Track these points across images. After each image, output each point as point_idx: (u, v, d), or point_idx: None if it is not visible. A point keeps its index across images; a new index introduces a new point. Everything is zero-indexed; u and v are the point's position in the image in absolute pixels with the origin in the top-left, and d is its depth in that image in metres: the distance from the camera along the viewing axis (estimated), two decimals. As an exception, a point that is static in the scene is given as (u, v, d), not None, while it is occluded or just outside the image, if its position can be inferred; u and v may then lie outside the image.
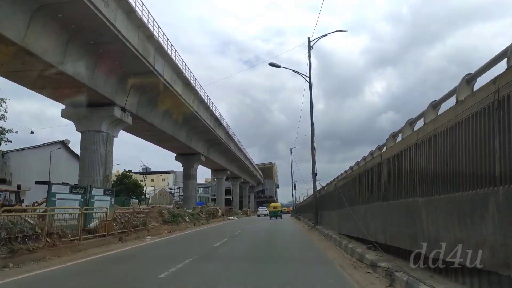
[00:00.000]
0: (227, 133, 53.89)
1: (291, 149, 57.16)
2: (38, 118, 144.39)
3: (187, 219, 28.66)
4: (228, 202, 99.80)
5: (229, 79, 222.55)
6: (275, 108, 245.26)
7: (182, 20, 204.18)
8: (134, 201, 58.03)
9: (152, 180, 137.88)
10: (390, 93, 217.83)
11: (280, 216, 46.53)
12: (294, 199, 62.24)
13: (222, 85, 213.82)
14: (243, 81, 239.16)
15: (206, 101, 39.14)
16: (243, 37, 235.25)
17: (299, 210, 48.26)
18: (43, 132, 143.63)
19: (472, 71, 5.02)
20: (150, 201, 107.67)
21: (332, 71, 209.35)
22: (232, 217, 47.81)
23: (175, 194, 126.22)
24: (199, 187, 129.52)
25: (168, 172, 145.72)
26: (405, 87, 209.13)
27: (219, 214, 43.48)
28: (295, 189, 60.02)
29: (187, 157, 48.96)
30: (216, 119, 45.59)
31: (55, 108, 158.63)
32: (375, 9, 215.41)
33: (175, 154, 50.04)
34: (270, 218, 44.72)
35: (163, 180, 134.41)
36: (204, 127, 41.52)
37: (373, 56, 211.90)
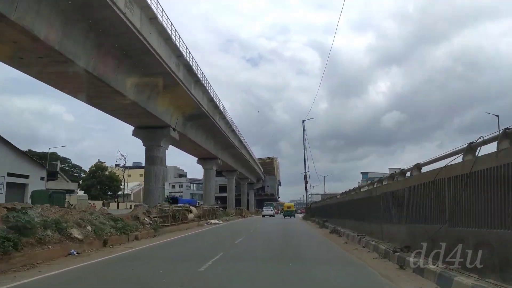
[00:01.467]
0: (212, 101, 36.88)
1: (303, 121, 39.63)
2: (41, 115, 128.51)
3: (76, 233, 11.81)
4: (224, 200, 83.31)
5: (232, 78, 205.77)
6: (278, 107, 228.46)
7: (187, 18, 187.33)
8: (82, 196, 40.84)
9: (141, 175, 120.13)
10: (394, 92, 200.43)
11: (294, 215, 49.83)
12: (307, 195, 44.25)
13: (226, 83, 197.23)
14: (247, 79, 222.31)
15: (164, 24, 22.21)
16: (247, 35, 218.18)
17: (321, 212, 30.35)
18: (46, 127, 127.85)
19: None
20: (132, 198, 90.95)
21: (337, 70, 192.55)
22: (217, 221, 30.91)
23: (165, 190, 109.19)
24: (191, 183, 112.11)
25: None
26: (410, 87, 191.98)
27: (193, 216, 26.61)
28: (306, 182, 42.51)
29: (149, 131, 32.04)
30: (189, 70, 28.61)
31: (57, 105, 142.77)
32: (382, 7, 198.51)
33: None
34: (284, 217, 47.62)
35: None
36: (165, 73, 24.54)
37: (378, 55, 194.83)
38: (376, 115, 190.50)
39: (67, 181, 65.47)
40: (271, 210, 55.49)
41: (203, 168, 53.80)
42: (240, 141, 58.54)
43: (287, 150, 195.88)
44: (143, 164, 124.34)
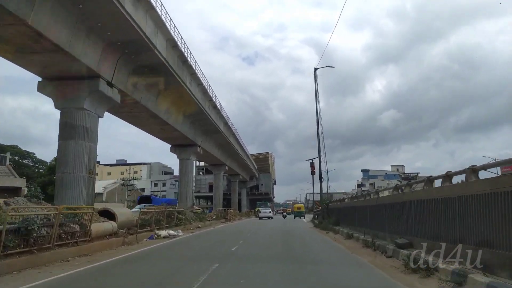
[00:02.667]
0: (175, 46, 24.02)
1: (315, 69, 26.08)
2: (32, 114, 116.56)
3: None
4: (212, 200, 70.62)
5: (227, 76, 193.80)
6: (274, 106, 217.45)
7: (183, 15, 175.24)
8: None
9: (122, 173, 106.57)
10: (391, 91, 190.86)
11: (304, 216, 51.04)
12: (321, 186, 29.25)
13: (221, 82, 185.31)
14: (243, 78, 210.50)
15: None
16: (243, 33, 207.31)
17: (362, 220, 14.62)
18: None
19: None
20: (104, 198, 77.31)
21: (333, 68, 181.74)
22: (172, 232, 17.78)
23: (146, 189, 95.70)
24: (176, 181, 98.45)
25: (143, 163, 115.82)
26: (406, 85, 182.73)
27: (112, 228, 13.72)
28: (315, 173, 28.66)
29: (63, 83, 18.95)
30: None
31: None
32: (379, 5, 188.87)
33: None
34: (294, 218, 49.36)
35: (135, 173, 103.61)
36: None
37: (375, 53, 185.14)
38: (372, 114, 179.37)
39: (15, 177, 51.96)
40: (269, 212, 50.20)
41: (178, 158, 40.64)
42: (227, 125, 45.52)
43: (282, 150, 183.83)
44: (127, 161, 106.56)
